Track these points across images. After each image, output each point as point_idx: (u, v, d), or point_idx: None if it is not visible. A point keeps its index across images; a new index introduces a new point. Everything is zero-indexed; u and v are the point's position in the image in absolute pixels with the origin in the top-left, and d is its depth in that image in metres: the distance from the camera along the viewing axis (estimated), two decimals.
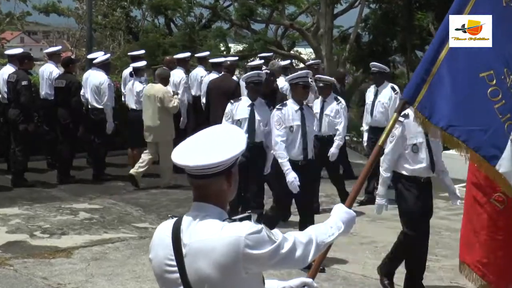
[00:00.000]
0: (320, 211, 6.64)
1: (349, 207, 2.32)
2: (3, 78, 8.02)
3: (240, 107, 5.89)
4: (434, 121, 2.85)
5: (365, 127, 7.66)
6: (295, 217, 5.63)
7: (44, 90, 8.39)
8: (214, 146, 1.91)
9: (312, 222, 4.75)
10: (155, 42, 17.59)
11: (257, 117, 5.88)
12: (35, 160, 8.48)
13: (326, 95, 6.87)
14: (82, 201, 7.18)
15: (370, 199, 7.40)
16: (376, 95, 7.41)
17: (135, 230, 6.10)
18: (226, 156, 1.88)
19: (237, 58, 10.90)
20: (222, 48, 19.20)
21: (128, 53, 11.05)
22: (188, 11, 18.64)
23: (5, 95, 7.96)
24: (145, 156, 7.81)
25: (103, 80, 8.02)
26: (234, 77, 9.06)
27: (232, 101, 5.99)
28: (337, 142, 6.67)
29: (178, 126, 8.24)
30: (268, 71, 7.28)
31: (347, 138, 7.80)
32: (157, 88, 7.72)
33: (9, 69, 8.01)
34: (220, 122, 5.76)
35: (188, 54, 9.63)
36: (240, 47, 20.17)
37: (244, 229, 1.86)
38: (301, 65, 16.76)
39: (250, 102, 5.91)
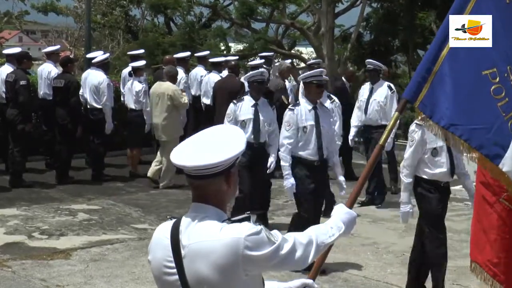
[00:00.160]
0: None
1: (350, 207, 2.30)
2: (1, 77, 7.98)
3: (244, 108, 5.81)
4: (436, 120, 2.82)
5: (353, 123, 7.49)
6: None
7: (43, 90, 8.36)
8: (212, 146, 1.90)
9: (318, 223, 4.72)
10: (154, 41, 17.56)
11: (261, 117, 5.81)
12: (34, 161, 8.46)
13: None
14: (81, 202, 7.15)
15: (371, 200, 7.36)
16: (371, 92, 7.30)
17: (134, 231, 6.07)
18: (224, 156, 1.87)
19: (237, 57, 10.85)
20: (222, 48, 19.17)
21: (128, 53, 11.02)
22: (188, 10, 18.60)
23: (3, 95, 7.93)
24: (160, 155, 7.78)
25: (102, 79, 7.99)
26: None
27: (234, 101, 5.90)
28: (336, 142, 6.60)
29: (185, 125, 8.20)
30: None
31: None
32: (165, 86, 7.69)
33: (7, 68, 7.98)
34: None
35: (188, 53, 9.61)
36: (240, 47, 20.14)
37: (243, 230, 1.85)
38: (302, 64, 16.72)
39: (253, 102, 5.84)
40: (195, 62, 10.63)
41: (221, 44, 19.39)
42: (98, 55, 8.57)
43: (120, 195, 7.51)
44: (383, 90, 7.25)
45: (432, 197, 4.47)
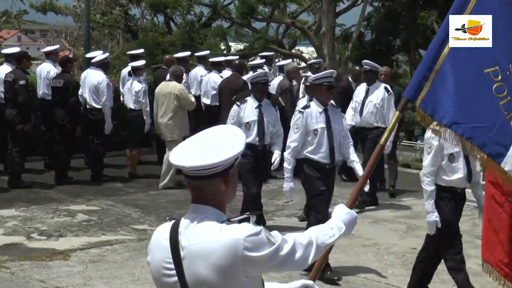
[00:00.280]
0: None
1: (351, 208, 2.29)
2: (0, 77, 7.93)
3: (248, 109, 5.73)
4: (438, 119, 2.81)
5: (353, 124, 7.38)
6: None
7: (42, 90, 8.32)
8: (211, 147, 1.89)
9: None
10: (154, 40, 17.55)
11: (266, 118, 5.74)
12: (32, 161, 8.41)
13: (313, 95, 6.69)
14: (80, 202, 7.12)
15: (372, 201, 7.31)
16: (367, 94, 7.17)
17: (133, 232, 6.05)
18: (222, 157, 1.86)
19: (237, 57, 10.82)
20: (223, 47, 19.15)
21: (127, 52, 10.98)
22: (188, 9, 18.59)
23: (2, 95, 7.89)
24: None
25: (102, 79, 7.95)
26: None
27: (238, 103, 5.81)
28: None
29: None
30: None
31: None
32: (172, 85, 7.66)
33: (6, 68, 7.94)
34: None
35: (188, 53, 9.57)
36: (240, 46, 20.14)
37: (242, 231, 1.84)
38: (303, 64, 16.69)
39: (257, 103, 5.76)
40: (195, 62, 10.61)
41: (222, 43, 19.38)
42: (98, 55, 8.54)
43: (119, 195, 7.48)
44: (380, 92, 7.13)
45: (447, 206, 4.36)
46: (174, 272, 1.88)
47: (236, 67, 8.07)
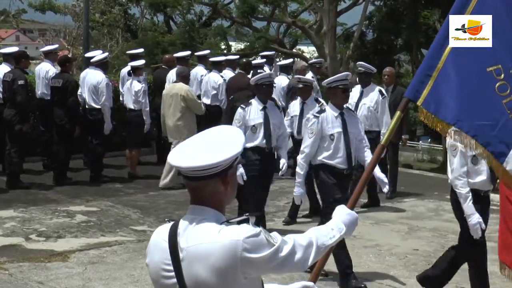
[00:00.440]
0: None
1: (351, 208, 2.28)
2: None
3: (253, 112, 5.61)
4: (441, 117, 2.81)
5: None
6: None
7: (40, 90, 8.27)
8: (210, 147, 1.88)
9: None
10: (154, 40, 17.53)
11: (271, 120, 5.63)
12: (31, 162, 8.38)
13: (306, 97, 6.49)
14: (79, 203, 7.09)
15: (373, 202, 7.25)
16: (361, 96, 7.05)
17: (133, 233, 6.02)
18: (219, 158, 1.85)
19: (238, 56, 10.77)
20: (223, 47, 19.12)
21: (127, 52, 10.95)
22: (188, 9, 18.57)
23: (0, 95, 7.84)
24: None
25: (101, 79, 7.91)
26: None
27: (242, 105, 5.68)
28: None
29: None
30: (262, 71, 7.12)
31: None
32: (178, 86, 7.62)
33: (4, 68, 7.90)
34: None
35: (188, 52, 9.53)
36: (241, 46, 20.11)
37: (242, 232, 1.83)
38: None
39: (262, 105, 5.64)
40: (195, 62, 10.57)
41: (222, 43, 19.36)
42: (97, 54, 8.50)
43: (118, 196, 7.44)
44: (374, 95, 6.99)
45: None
46: (173, 273, 1.87)
47: (244, 65, 8.00)
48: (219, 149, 1.87)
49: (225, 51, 17.66)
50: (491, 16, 2.80)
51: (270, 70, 8.67)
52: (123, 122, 8.41)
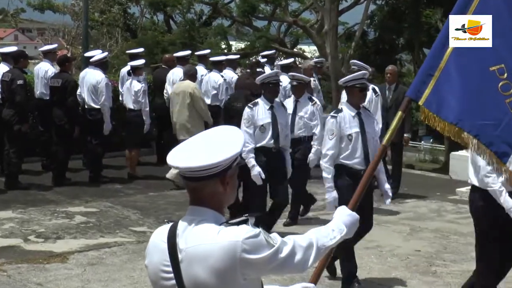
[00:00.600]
0: None
1: (352, 209, 2.28)
2: None
3: (260, 112, 5.54)
4: (443, 116, 2.80)
5: None
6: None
7: (39, 90, 8.24)
8: (209, 148, 1.88)
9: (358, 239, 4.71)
10: (153, 39, 17.52)
11: (279, 120, 5.57)
12: (30, 162, 8.34)
13: (299, 95, 6.37)
14: (78, 204, 7.06)
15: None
16: None
17: (132, 234, 5.99)
18: (217, 158, 1.84)
19: (238, 56, 10.73)
20: (223, 46, 19.09)
21: (127, 51, 10.92)
22: (188, 8, 18.55)
23: None
24: None
25: (101, 79, 7.87)
26: (235, 76, 8.94)
27: (250, 105, 5.61)
28: (316, 147, 6.00)
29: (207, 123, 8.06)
30: (261, 70, 7.09)
31: None
32: (185, 84, 7.59)
33: (3, 67, 7.86)
34: None
35: (188, 52, 9.50)
36: (241, 45, 20.08)
37: (241, 233, 1.82)
38: None
39: (269, 105, 5.57)
40: (195, 61, 10.53)
41: (222, 42, 19.33)
42: (96, 54, 8.46)
43: (118, 197, 7.41)
44: (368, 93, 7.02)
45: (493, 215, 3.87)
46: (172, 275, 1.86)
47: (252, 65, 7.96)
48: (218, 150, 1.86)
49: (225, 51, 17.62)
50: (491, 16, 2.80)
51: (271, 69, 8.63)
52: (122, 122, 8.37)
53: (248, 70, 8.07)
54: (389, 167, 7.80)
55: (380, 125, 6.30)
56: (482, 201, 3.85)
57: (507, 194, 3.75)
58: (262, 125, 5.53)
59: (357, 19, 16.40)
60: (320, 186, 7.31)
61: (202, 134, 1.96)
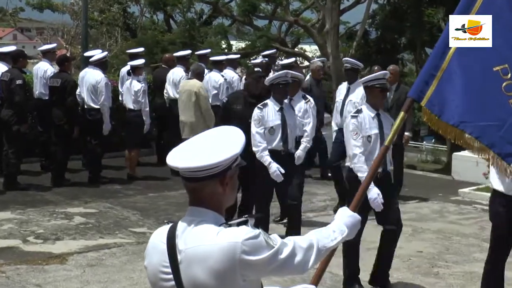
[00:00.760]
0: None
1: (354, 210, 2.27)
2: None
3: (271, 113, 5.45)
4: (445, 119, 2.79)
5: (334, 127, 7.16)
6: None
7: (38, 90, 8.21)
8: (208, 148, 1.88)
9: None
10: (153, 39, 17.49)
11: (288, 121, 5.49)
12: (29, 163, 8.31)
13: (293, 93, 6.30)
14: (77, 205, 7.03)
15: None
16: (347, 93, 6.94)
17: (132, 235, 5.96)
18: (216, 159, 1.84)
19: (238, 56, 10.69)
20: (224, 46, 19.06)
21: (127, 51, 10.88)
22: (188, 7, 18.53)
23: None
24: None
25: (100, 79, 7.84)
26: (236, 75, 8.90)
27: (260, 105, 5.50)
28: (304, 144, 5.91)
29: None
30: (260, 70, 7.03)
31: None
32: (192, 83, 7.58)
33: (2, 67, 7.81)
34: None
35: (188, 51, 9.47)
36: (242, 44, 20.06)
37: (240, 234, 1.82)
38: (306, 63, 16.58)
39: (278, 106, 5.48)
40: (195, 61, 10.47)
41: (223, 42, 19.30)
42: (96, 54, 8.42)
43: (117, 198, 7.37)
44: (360, 90, 6.71)
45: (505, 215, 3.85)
46: (171, 276, 1.86)
47: (263, 66, 7.93)
48: (218, 150, 1.85)
49: (226, 50, 17.59)
50: (491, 16, 2.79)
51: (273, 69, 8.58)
52: (122, 122, 8.33)
53: (260, 70, 8.00)
54: (391, 167, 7.75)
55: None
56: (502, 207, 3.82)
57: None
58: (272, 127, 5.43)
59: (358, 18, 16.39)
60: (320, 187, 7.32)
61: (202, 134, 1.96)
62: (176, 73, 8.61)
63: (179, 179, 1.84)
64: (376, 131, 4.64)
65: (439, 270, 5.25)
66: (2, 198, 7.14)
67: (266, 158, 5.34)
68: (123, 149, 8.47)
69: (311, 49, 21.34)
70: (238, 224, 1.85)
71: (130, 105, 8.08)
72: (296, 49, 19.56)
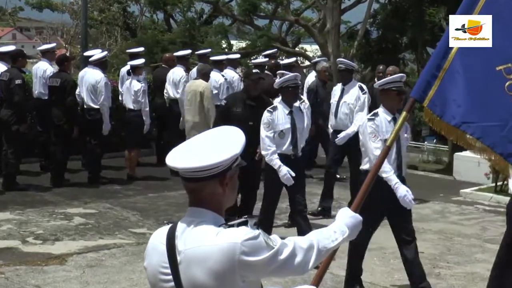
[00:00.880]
0: None
1: (355, 211, 2.26)
2: None
3: (280, 116, 5.40)
4: (447, 119, 2.79)
5: (331, 129, 7.11)
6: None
7: (38, 89, 8.18)
8: (208, 148, 1.88)
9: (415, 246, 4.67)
10: (153, 38, 17.48)
11: (297, 125, 5.45)
12: (28, 163, 8.29)
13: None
14: (77, 205, 7.01)
15: (323, 210, 7.06)
16: (342, 94, 6.89)
17: (132, 236, 5.95)
18: (216, 159, 1.83)
19: (239, 55, 10.66)
20: (224, 45, 19.05)
21: (127, 51, 10.87)
22: (188, 6, 18.52)
23: None
24: None
25: (100, 78, 7.82)
26: (236, 75, 8.87)
27: (269, 109, 5.45)
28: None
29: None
30: (258, 71, 7.00)
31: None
32: (197, 83, 7.56)
33: (1, 67, 7.80)
34: None
35: (188, 51, 9.45)
36: (243, 44, 20.04)
37: (240, 235, 1.82)
38: (307, 62, 16.57)
39: (288, 109, 5.43)
40: (195, 61, 10.47)
41: (223, 41, 19.28)
42: (96, 53, 8.40)
43: (117, 198, 7.35)
44: (354, 91, 6.83)
45: None
46: (170, 277, 1.85)
47: (271, 67, 7.87)
48: (218, 150, 1.85)
49: (226, 50, 17.57)
50: (491, 16, 2.79)
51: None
52: (122, 122, 8.33)
53: (269, 73, 7.96)
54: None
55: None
56: None
57: None
58: (282, 131, 5.37)
59: (359, 17, 16.38)
60: (319, 187, 7.27)
61: (202, 135, 1.96)
62: (176, 73, 8.58)
63: (179, 179, 1.82)
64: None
65: (440, 271, 5.25)
66: (1, 198, 7.12)
67: (276, 162, 5.28)
68: (123, 149, 8.45)
69: (311, 49, 21.33)
70: (238, 225, 1.84)
71: (130, 105, 8.06)
72: (296, 49, 19.55)
